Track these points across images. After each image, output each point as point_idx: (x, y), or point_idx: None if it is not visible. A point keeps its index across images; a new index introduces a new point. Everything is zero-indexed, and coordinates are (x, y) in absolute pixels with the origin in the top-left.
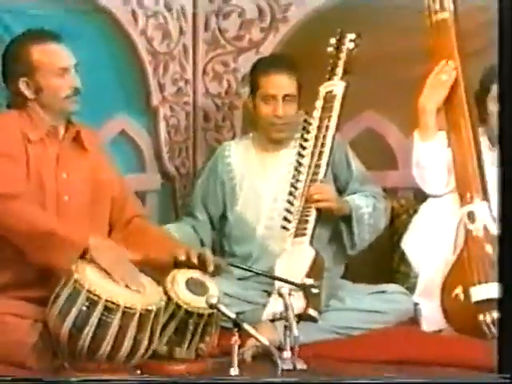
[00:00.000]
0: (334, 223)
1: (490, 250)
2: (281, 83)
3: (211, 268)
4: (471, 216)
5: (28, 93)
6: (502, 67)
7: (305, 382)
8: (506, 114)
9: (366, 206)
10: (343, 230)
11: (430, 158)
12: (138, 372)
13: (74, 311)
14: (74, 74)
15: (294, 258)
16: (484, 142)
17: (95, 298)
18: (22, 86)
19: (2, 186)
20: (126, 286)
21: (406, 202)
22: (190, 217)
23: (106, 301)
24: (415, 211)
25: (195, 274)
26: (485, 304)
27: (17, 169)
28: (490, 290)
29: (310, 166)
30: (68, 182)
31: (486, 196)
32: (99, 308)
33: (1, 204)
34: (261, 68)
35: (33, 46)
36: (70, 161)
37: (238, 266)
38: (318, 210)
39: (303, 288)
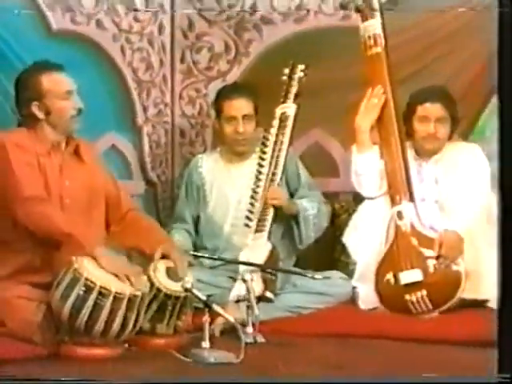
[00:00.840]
0: (286, 222)
1: (416, 242)
2: (240, 106)
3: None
4: (400, 214)
5: (39, 114)
6: (503, 68)
7: (306, 382)
8: (505, 117)
9: (312, 209)
10: (293, 228)
11: (366, 167)
12: (126, 345)
13: (73, 295)
14: (77, 96)
15: (255, 250)
16: (411, 153)
17: (91, 285)
18: (34, 108)
19: (32, 189)
20: (131, 283)
21: (346, 204)
22: (181, 222)
23: (101, 287)
24: (354, 211)
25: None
26: (411, 286)
27: (37, 176)
28: (414, 275)
29: (267, 175)
30: (69, 187)
31: (411, 198)
32: (94, 293)
33: (33, 206)
34: (223, 94)
35: (41, 76)
36: (71, 170)
37: (215, 258)
38: (275, 209)
39: (263, 270)
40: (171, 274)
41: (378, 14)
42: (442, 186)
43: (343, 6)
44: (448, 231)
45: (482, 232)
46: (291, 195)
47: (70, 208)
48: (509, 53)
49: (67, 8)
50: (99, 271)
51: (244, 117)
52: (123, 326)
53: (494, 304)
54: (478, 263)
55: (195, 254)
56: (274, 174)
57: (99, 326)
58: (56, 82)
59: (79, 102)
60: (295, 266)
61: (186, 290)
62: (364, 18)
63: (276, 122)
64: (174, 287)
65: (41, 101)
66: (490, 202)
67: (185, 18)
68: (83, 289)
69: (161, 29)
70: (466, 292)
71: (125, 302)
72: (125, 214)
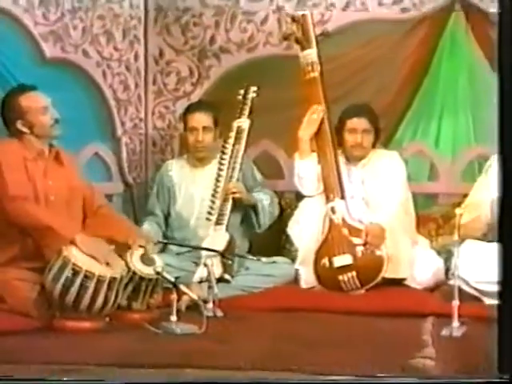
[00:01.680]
0: (243, 215)
1: (346, 232)
2: (200, 119)
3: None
4: (333, 209)
5: (24, 129)
6: (503, 68)
7: (303, 382)
8: (505, 118)
9: (266, 199)
10: (252, 216)
11: (306, 171)
12: (107, 319)
13: (63, 277)
14: (53, 109)
15: (216, 240)
16: (342, 159)
17: (78, 269)
18: (19, 125)
19: (17, 190)
20: (106, 264)
21: (290, 201)
22: (153, 215)
23: (86, 271)
24: (296, 207)
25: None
26: (343, 268)
27: (23, 178)
28: (345, 259)
29: (226, 177)
30: (52, 187)
31: (343, 196)
32: (81, 276)
33: (17, 203)
34: (188, 110)
35: (19, 97)
36: (54, 173)
37: (181, 245)
38: (234, 203)
39: (222, 255)
40: (145, 259)
41: (314, 44)
42: (368, 186)
43: (286, 38)
44: (372, 223)
45: (400, 223)
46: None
47: (53, 203)
48: (509, 54)
49: (58, 39)
50: (85, 258)
51: (204, 128)
52: (105, 303)
53: (409, 282)
54: (397, 249)
55: (166, 242)
56: (231, 177)
57: (85, 303)
58: (33, 101)
59: (55, 113)
60: (248, 252)
61: (157, 273)
62: (302, 48)
63: (233, 134)
64: (147, 271)
65: (24, 118)
66: (406, 198)
67: (156, 47)
68: (71, 272)
69: (136, 57)
70: (388, 272)
71: (106, 283)
72: (97, 208)
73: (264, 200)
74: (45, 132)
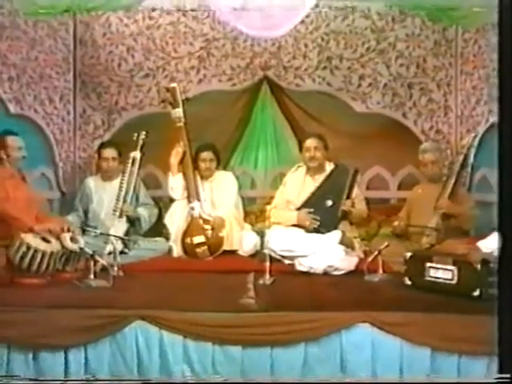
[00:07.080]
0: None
1: (201, 222)
2: (108, 152)
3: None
4: (192, 208)
5: (3, 156)
6: (503, 69)
7: (303, 383)
8: (505, 123)
9: (147, 214)
10: (137, 224)
11: (175, 184)
12: (49, 277)
13: (21, 250)
14: (24, 150)
15: (119, 227)
16: (198, 177)
17: (29, 246)
18: (1, 153)
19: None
20: (48, 242)
21: (165, 204)
22: (76, 211)
23: (35, 247)
24: (169, 206)
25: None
26: (199, 244)
27: (5, 188)
28: (200, 239)
29: (126, 188)
30: (19, 196)
31: (198, 199)
32: (32, 250)
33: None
34: (101, 147)
35: (6, 137)
36: (20, 187)
37: (93, 231)
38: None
39: (122, 239)
40: (72, 240)
41: (180, 105)
42: (214, 194)
43: (162, 101)
44: (217, 216)
45: (234, 216)
46: (137, 199)
47: (19, 207)
48: (509, 56)
49: (18, 101)
50: (34, 239)
51: (112, 158)
52: (47, 267)
53: (240, 252)
54: (232, 232)
55: (89, 229)
56: (128, 189)
57: (34, 266)
58: (14, 141)
59: (24, 152)
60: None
61: (81, 248)
62: (173, 108)
63: (130, 161)
64: (74, 247)
65: (5, 149)
66: (238, 200)
67: (81, 107)
68: (26, 248)
69: (68, 113)
70: (226, 246)
71: (48, 254)
72: (42, 210)
73: (145, 215)
74: (14, 162)
